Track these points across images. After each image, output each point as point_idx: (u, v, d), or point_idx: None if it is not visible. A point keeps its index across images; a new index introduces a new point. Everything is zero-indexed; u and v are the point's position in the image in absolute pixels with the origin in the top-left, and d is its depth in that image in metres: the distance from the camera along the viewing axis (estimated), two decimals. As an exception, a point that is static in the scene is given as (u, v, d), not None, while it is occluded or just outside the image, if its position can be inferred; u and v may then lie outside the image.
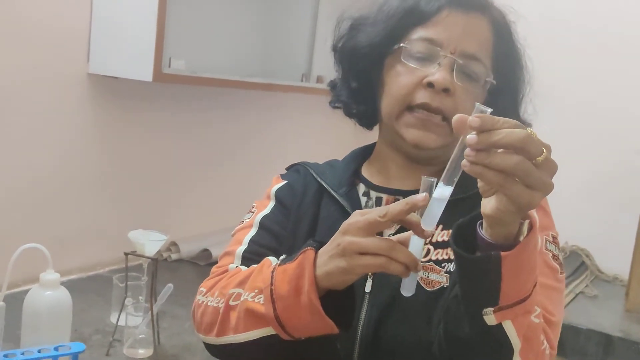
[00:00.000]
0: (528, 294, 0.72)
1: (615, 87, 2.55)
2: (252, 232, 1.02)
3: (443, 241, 0.93)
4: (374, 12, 1.02)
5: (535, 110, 1.05)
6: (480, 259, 0.71)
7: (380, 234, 0.89)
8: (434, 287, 0.90)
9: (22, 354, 1.08)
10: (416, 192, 0.77)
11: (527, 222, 0.71)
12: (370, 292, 0.93)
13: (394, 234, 0.85)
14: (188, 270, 2.01)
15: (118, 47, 1.71)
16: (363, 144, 1.12)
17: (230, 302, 0.87)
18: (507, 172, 0.64)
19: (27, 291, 1.26)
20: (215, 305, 0.90)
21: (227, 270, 0.97)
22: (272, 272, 0.83)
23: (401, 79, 0.96)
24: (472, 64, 0.95)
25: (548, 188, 0.66)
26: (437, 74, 0.93)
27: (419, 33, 0.96)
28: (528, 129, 0.65)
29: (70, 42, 1.72)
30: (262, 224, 1.02)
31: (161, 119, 2.04)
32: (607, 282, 2.49)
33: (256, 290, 0.84)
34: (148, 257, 1.38)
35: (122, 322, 1.38)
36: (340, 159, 1.11)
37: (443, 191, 0.73)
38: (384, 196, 1.02)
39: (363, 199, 1.02)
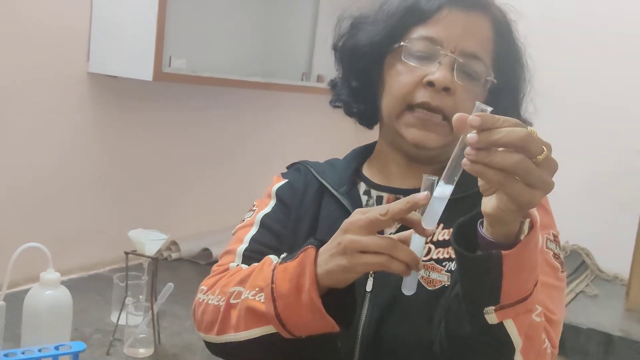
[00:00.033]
0: (529, 292, 0.72)
1: (615, 87, 2.55)
2: (253, 230, 1.02)
3: (444, 240, 0.93)
4: (374, 11, 1.02)
5: (536, 109, 1.05)
6: (481, 257, 0.71)
7: (381, 232, 0.89)
8: (435, 286, 0.90)
9: (23, 353, 1.08)
10: (417, 191, 0.77)
11: (527, 220, 0.71)
12: (371, 291, 0.93)
13: (395, 233, 0.85)
14: (188, 270, 2.00)
15: (118, 47, 1.71)
16: (363, 143, 1.12)
17: (231, 301, 0.87)
18: (507, 171, 0.64)
19: (27, 290, 1.26)
20: (216, 303, 0.90)
21: (227, 269, 0.97)
22: (273, 270, 0.83)
23: (401, 78, 0.96)
24: (473, 62, 0.95)
25: (548, 187, 0.66)
26: (437, 73, 0.93)
27: (420, 32, 0.96)
28: (528, 127, 0.65)
29: (70, 41, 1.72)
30: (263, 223, 1.02)
31: (161, 118, 2.04)
32: (608, 281, 2.48)
33: (257, 289, 0.84)
34: (148, 257, 1.38)
35: (122, 322, 1.38)
36: (341, 158, 1.11)
37: (444, 190, 0.73)
38: (385, 195, 1.02)
39: (364, 198, 1.02)
